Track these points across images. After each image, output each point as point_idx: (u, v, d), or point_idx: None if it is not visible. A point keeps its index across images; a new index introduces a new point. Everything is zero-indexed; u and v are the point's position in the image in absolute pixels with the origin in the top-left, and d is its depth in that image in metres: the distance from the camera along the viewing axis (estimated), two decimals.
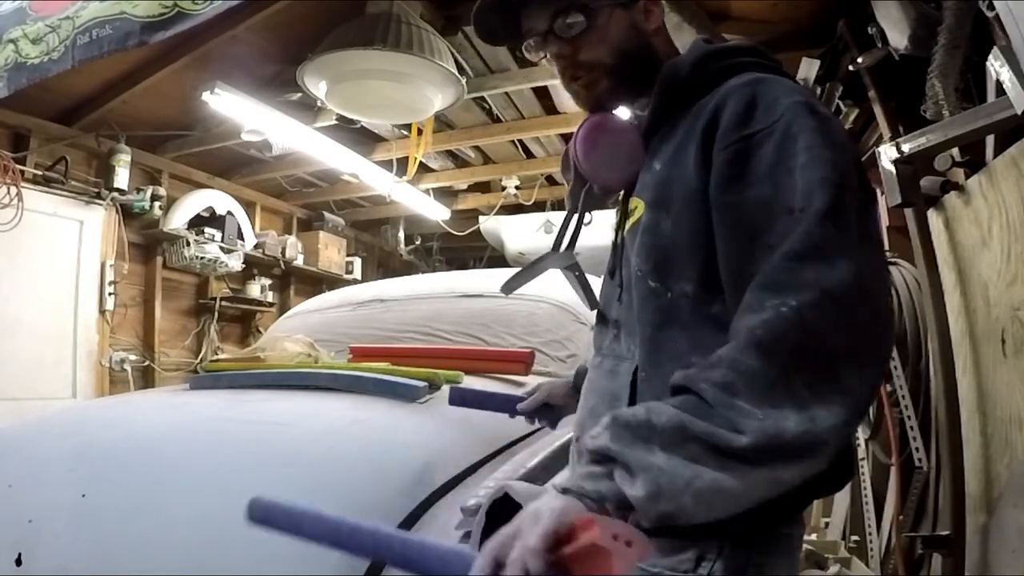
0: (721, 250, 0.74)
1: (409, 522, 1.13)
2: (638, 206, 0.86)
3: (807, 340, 0.63)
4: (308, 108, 3.58)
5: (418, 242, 6.38)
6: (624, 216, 0.91)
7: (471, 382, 1.76)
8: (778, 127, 0.72)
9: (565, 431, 1.32)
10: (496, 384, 1.84)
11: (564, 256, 1.01)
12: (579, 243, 1.07)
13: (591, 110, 0.94)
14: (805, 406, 0.61)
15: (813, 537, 2.59)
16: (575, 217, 1.02)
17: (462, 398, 1.32)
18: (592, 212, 1.02)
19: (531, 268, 1.03)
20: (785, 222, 0.68)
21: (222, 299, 4.52)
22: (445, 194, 5.35)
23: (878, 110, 2.17)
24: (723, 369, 0.63)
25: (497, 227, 5.30)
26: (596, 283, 1.02)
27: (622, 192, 0.94)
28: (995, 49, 1.40)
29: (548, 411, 1.24)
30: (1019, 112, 1.35)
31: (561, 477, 0.85)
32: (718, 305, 0.76)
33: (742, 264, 0.71)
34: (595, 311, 1.00)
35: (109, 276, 3.79)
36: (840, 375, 0.63)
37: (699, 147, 0.78)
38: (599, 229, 1.00)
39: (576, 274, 1.00)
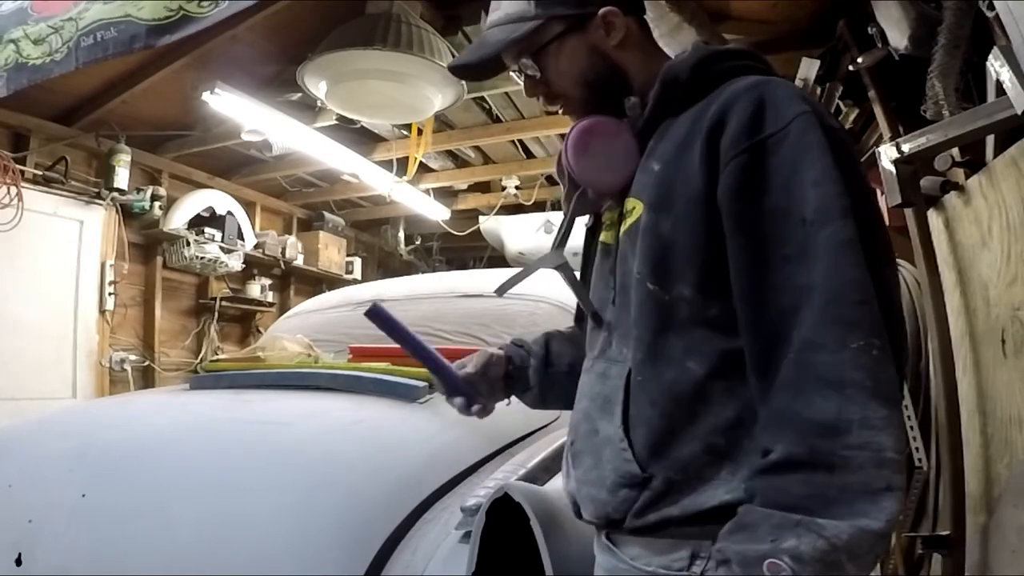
0: (735, 257, 0.74)
1: (409, 521, 1.13)
2: (636, 207, 0.84)
3: (891, 372, 0.68)
4: (308, 108, 3.58)
5: (418, 242, 6.36)
6: (620, 217, 0.89)
7: None
8: (789, 132, 0.73)
9: (565, 431, 1.32)
10: None
11: (554, 256, 1.00)
12: (576, 243, 1.07)
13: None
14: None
15: None
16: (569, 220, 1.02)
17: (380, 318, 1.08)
18: (588, 216, 1.01)
19: (525, 270, 1.03)
20: (800, 233, 0.70)
21: (222, 299, 4.52)
22: (445, 194, 5.35)
23: (878, 110, 2.17)
24: (858, 431, 0.64)
25: (497, 227, 5.29)
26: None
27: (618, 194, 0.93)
28: (995, 49, 1.40)
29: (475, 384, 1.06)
30: (1019, 112, 1.34)
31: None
32: (715, 308, 0.76)
33: (757, 272, 0.72)
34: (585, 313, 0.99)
35: (109, 276, 3.79)
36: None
37: (704, 149, 0.77)
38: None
39: (565, 274, 1.00)
